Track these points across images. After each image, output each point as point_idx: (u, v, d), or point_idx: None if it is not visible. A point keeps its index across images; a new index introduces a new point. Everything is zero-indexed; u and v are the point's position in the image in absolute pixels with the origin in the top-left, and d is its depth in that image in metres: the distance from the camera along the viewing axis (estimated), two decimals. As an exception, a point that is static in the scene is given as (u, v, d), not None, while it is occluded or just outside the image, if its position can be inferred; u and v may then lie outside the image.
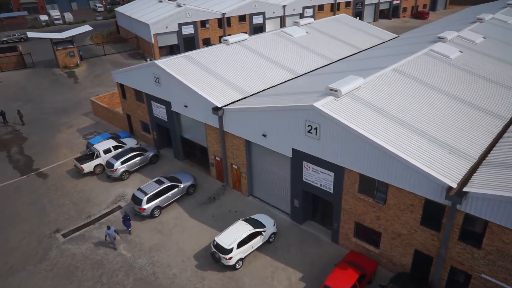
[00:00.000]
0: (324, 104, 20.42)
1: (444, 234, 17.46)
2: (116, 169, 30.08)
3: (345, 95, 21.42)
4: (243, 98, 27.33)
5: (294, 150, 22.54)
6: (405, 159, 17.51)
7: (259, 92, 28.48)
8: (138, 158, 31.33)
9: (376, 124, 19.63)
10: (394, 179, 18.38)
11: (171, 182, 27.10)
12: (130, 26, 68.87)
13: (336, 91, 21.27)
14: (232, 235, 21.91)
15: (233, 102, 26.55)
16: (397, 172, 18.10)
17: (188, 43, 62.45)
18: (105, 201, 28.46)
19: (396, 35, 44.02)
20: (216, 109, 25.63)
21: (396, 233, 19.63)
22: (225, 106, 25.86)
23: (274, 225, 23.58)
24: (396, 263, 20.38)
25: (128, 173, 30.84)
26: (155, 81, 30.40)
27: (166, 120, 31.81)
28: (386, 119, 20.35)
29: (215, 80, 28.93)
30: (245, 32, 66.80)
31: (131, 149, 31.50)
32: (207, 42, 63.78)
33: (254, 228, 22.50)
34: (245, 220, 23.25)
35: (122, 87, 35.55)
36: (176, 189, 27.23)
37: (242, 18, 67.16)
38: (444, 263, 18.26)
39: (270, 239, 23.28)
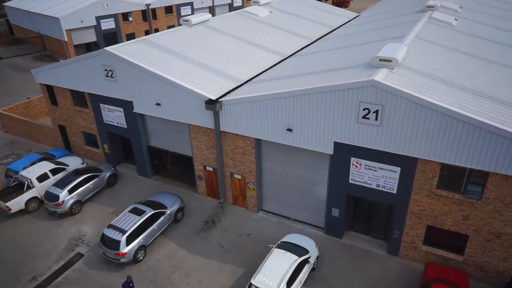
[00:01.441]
0: (385, 78, 14.91)
1: None
2: (63, 202, 20.76)
3: (399, 65, 16.17)
4: (237, 87, 20.46)
5: (337, 145, 16.62)
6: (525, 136, 12.87)
7: (253, 78, 21.87)
8: (91, 182, 22.29)
9: (449, 97, 14.79)
10: (500, 165, 13.67)
11: (154, 209, 19.10)
12: (30, 24, 55.26)
13: (389, 61, 15.88)
14: (274, 273, 15.19)
15: (228, 93, 19.57)
16: (506, 154, 13.41)
17: (109, 40, 51.93)
18: (54, 249, 19.17)
19: (358, 14, 40.82)
20: (210, 103, 18.41)
21: (494, 234, 15.04)
22: (221, 98, 18.79)
23: (316, 246, 17.42)
24: (490, 270, 15.84)
25: (80, 204, 21.67)
26: (107, 76, 21.71)
27: (125, 126, 23.23)
28: (454, 89, 15.66)
29: (194, 68, 21.47)
30: (174, 25, 58.77)
31: (78, 171, 22.31)
32: (131, 38, 53.95)
33: (299, 256, 16.10)
34: (281, 247, 16.66)
35: (50, 90, 25.61)
36: (162, 218, 19.32)
37: (169, 9, 58.55)
38: None
39: (314, 266, 17.10)
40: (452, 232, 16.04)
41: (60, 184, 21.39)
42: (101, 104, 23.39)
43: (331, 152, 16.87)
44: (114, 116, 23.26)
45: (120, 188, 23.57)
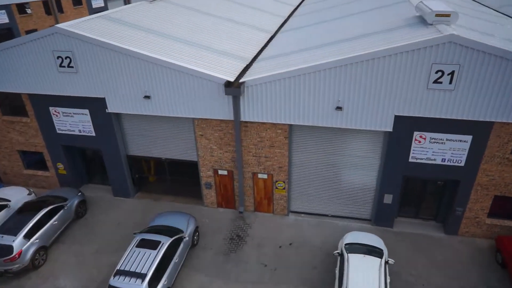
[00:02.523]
0: (459, 33, 13.13)
1: None
2: (19, 253, 14.66)
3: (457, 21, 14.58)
4: (247, 67, 16.88)
5: (398, 119, 14.43)
6: None
7: (257, 56, 18.43)
8: (56, 217, 16.36)
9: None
10: None
11: (171, 237, 14.55)
12: None
13: (447, 15, 14.18)
14: (366, 284, 12.39)
15: (241, 74, 15.93)
16: None
17: (2, 39, 41.87)
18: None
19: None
20: (229, 86, 14.59)
21: None
22: (236, 80, 15.10)
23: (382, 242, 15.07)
24: (561, 230, 15.45)
25: (44, 250, 15.70)
26: (61, 66, 16.00)
27: (92, 134, 17.64)
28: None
29: (185, 47, 17.14)
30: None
31: (29, 207, 16.20)
32: (29, 35, 44.41)
33: (380, 257, 13.56)
34: (355, 251, 13.86)
35: (-41, 96, 18.35)
36: (182, 245, 14.88)
37: (77, 0, 50.02)
38: None
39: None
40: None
41: (8, 229, 15.12)
42: (51, 109, 17.37)
43: (390, 129, 14.63)
44: (74, 123, 17.49)
45: (95, 218, 17.92)
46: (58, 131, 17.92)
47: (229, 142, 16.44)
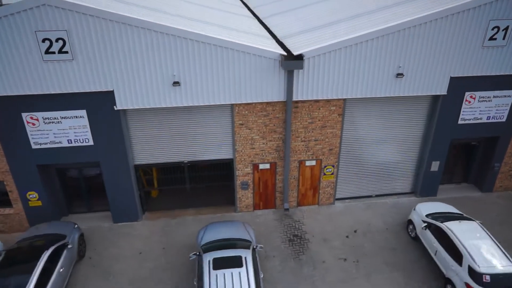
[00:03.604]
0: (506, -12, 13.87)
1: None
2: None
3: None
4: (279, 43, 15.18)
5: (452, 81, 14.64)
6: None
7: (273, 35, 16.76)
8: (61, 262, 12.11)
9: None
10: None
11: (248, 249, 12.04)
12: None
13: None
14: (483, 249, 12.09)
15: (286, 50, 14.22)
16: None
17: None
18: None
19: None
20: (290, 58, 12.82)
21: None
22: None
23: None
24: None
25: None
26: (48, 52, 11.85)
27: (89, 143, 13.59)
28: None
29: (206, 26, 14.55)
30: None
31: (21, 251, 11.76)
32: None
33: (473, 220, 13.54)
34: (449, 219, 13.51)
35: None
36: (258, 257, 12.47)
37: None
38: None
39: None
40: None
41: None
42: (25, 115, 12.80)
43: (445, 92, 14.77)
44: (62, 131, 13.22)
45: (104, 253, 13.88)
46: (34, 146, 13.33)
47: (274, 129, 14.50)
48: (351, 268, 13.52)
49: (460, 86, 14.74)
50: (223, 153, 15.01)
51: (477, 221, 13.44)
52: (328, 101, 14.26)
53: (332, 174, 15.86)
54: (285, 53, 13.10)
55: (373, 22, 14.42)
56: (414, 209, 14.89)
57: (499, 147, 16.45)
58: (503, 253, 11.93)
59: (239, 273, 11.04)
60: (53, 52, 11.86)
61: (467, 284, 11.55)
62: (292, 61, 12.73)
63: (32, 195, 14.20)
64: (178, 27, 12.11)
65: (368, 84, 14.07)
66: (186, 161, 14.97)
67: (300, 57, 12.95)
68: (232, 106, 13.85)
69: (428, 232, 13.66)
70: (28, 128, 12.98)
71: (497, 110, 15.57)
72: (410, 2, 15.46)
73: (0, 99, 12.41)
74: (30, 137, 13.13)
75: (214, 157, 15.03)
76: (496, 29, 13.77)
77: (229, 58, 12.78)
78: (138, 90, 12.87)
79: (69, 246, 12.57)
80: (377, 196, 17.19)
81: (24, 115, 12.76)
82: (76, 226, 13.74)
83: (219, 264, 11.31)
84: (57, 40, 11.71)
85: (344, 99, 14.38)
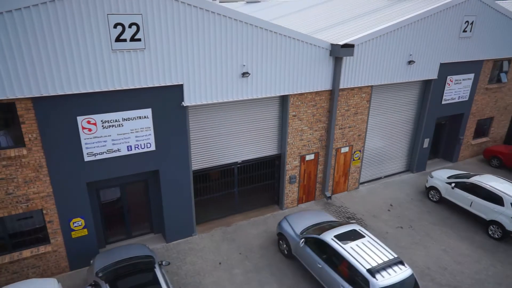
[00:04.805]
0: (468, -7, 16.97)
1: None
2: None
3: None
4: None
5: (441, 66, 16.93)
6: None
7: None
8: (166, 281, 9.56)
9: None
10: None
11: (356, 228, 11.51)
12: None
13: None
14: None
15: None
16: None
17: None
18: None
19: None
20: (340, 47, 13.13)
21: (508, 105, 21.00)
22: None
23: (454, 172, 17.05)
24: None
25: None
26: (118, 40, 9.68)
27: (152, 148, 11.23)
28: None
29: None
30: None
31: (124, 271, 9.05)
32: None
33: (484, 176, 15.50)
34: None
35: None
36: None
37: None
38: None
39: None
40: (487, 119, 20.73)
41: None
42: (81, 119, 10.00)
43: (436, 76, 16.95)
44: (122, 136, 10.71)
45: (182, 274, 11.36)
46: (87, 158, 10.44)
47: (320, 118, 14.40)
48: (411, 232, 14.00)
49: (444, 71, 17.12)
50: (272, 149, 14.16)
51: (490, 175, 15.47)
52: (360, 88, 14.92)
53: (359, 159, 16.35)
54: (335, 43, 13.36)
55: (384, 18, 15.85)
56: (432, 177, 16.30)
57: (463, 121, 19.38)
58: None
59: (363, 242, 10.48)
60: (124, 40, 9.77)
61: (515, 218, 13.12)
62: (345, 48, 13.06)
63: (77, 223, 10.93)
64: (253, 16, 11.34)
65: (389, 71, 15.24)
66: (239, 161, 13.60)
67: (347, 45, 13.35)
68: (287, 97, 13.32)
69: (457, 190, 15.09)
70: (83, 135, 10.17)
71: (463, 91, 18.46)
72: (402, 3, 17.54)
73: (51, 100, 9.50)
74: (84, 146, 10.27)
75: (264, 154, 14.04)
76: (466, 23, 16.60)
77: (288, 47, 12.43)
78: (207, 83, 11.41)
79: (165, 264, 10.02)
80: (385, 177, 18.26)
81: (80, 119, 9.98)
82: (147, 246, 11.03)
83: (342, 238, 10.57)
84: (130, 26, 9.72)
85: (371, 86, 15.23)
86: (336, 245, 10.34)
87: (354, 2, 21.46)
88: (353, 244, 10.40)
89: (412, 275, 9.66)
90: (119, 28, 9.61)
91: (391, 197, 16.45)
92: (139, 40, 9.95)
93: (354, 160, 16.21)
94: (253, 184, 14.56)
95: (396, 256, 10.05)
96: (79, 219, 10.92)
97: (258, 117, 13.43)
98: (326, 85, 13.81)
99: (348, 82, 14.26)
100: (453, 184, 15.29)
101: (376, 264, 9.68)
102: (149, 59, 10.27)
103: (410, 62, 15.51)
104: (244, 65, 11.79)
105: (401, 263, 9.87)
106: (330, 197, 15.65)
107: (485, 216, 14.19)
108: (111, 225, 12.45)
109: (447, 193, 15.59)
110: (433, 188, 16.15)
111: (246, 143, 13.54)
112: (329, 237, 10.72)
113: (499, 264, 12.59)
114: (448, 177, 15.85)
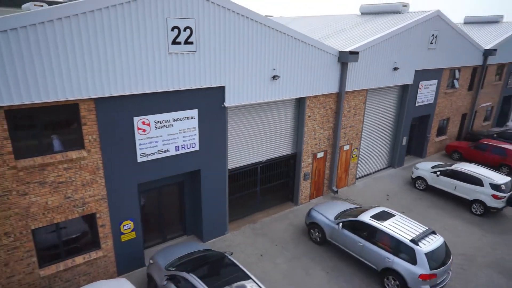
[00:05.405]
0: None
1: None
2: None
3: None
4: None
5: (415, 73, 19.15)
6: None
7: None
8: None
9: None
10: (467, 60, 22.66)
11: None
12: None
13: (405, 6, 20.43)
14: (488, 172, 16.23)
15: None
16: (468, 52, 22.60)
17: None
18: None
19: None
20: (349, 54, 14.51)
21: (460, 107, 24.08)
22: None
23: (432, 164, 19.15)
24: (457, 133, 24.83)
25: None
26: (175, 42, 9.93)
27: (196, 148, 11.35)
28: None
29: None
30: None
31: (202, 260, 9.12)
32: None
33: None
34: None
35: None
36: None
37: None
38: None
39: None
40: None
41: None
42: (137, 120, 9.94)
43: (411, 82, 19.11)
44: (171, 136, 10.76)
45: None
46: (140, 159, 10.33)
47: (328, 119, 15.54)
48: (413, 215, 15.52)
49: (417, 77, 19.38)
50: (289, 148, 14.93)
51: (466, 163, 17.70)
52: (358, 92, 16.40)
53: (356, 155, 17.73)
54: (342, 50, 14.70)
55: (368, 31, 17.65)
56: (417, 169, 18.17)
57: (430, 122, 21.88)
58: (496, 172, 16.31)
59: (396, 219, 11.62)
60: (179, 43, 10.06)
61: (494, 195, 15.23)
62: (352, 55, 14.44)
63: (127, 226, 10.62)
64: (280, 23, 12.23)
65: (379, 76, 16.96)
66: (264, 160, 14.15)
67: (352, 52, 14.76)
68: (304, 99, 14.27)
69: (442, 177, 17.04)
70: (138, 136, 10.10)
71: (430, 94, 20.95)
72: (376, 20, 19.58)
73: (111, 101, 9.41)
74: (138, 147, 10.17)
75: (282, 153, 14.75)
76: (433, 36, 19.10)
77: (307, 53, 13.48)
78: (244, 85, 11.97)
79: (228, 255, 10.13)
80: (374, 172, 19.87)
81: (136, 119, 9.93)
82: (200, 243, 11.01)
83: (378, 217, 11.67)
84: (185, 29, 10.06)
85: (367, 90, 16.81)
86: (376, 224, 11.31)
87: (330, 19, 23.39)
88: (389, 221, 11.45)
89: (444, 242, 10.91)
90: (176, 31, 9.89)
91: (385, 189, 17.96)
92: (191, 43, 10.29)
93: (352, 157, 17.53)
94: (272, 182, 15.11)
95: (428, 227, 11.26)
96: (128, 221, 10.64)
97: (278, 118, 14.17)
98: (334, 88, 15.04)
99: (351, 85, 15.64)
100: (438, 173, 17.23)
101: (416, 235, 10.79)
102: (199, 61, 10.61)
103: (395, 69, 17.41)
104: (274, 69, 12.54)
105: (434, 232, 11.10)
106: (337, 191, 16.70)
107: (468, 197, 16.19)
108: (149, 228, 12.17)
109: (433, 181, 17.49)
110: (419, 178, 17.98)
111: (268, 143, 14.15)
112: (366, 218, 11.67)
113: (488, 234, 14.48)
114: (432, 167, 17.82)
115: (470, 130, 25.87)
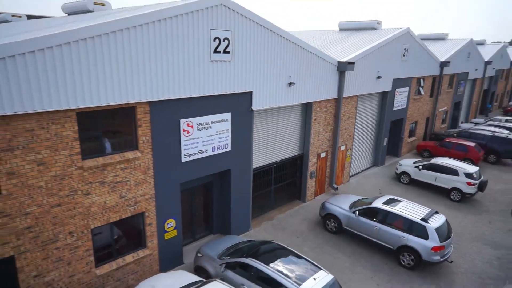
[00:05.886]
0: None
1: None
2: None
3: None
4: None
5: (393, 81, 21.25)
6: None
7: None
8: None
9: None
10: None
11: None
12: None
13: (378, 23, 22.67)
14: (459, 163, 18.47)
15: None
16: (430, 63, 25.39)
17: None
18: None
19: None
20: (347, 64, 16.03)
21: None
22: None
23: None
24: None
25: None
26: (216, 51, 10.67)
27: (228, 149, 11.99)
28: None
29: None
30: None
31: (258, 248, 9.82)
32: None
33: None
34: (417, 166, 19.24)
35: None
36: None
37: None
38: None
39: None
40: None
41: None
42: (183, 122, 10.45)
43: (390, 88, 21.17)
44: (209, 138, 11.36)
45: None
46: (184, 159, 10.80)
47: (329, 122, 16.87)
48: (406, 206, 17.14)
49: (394, 85, 21.51)
50: (296, 149, 16.00)
51: (441, 157, 19.83)
52: (351, 97, 17.97)
53: (350, 155, 19.22)
54: (340, 60, 16.19)
55: (353, 45, 19.43)
56: (401, 165, 20.06)
57: (403, 124, 24.14)
58: (466, 163, 18.60)
59: (405, 204, 13.06)
60: (219, 52, 10.84)
61: (468, 182, 17.37)
62: (349, 65, 15.98)
63: (170, 224, 10.96)
64: (294, 40, 13.40)
65: (367, 84, 18.72)
66: (278, 160, 15.06)
67: (349, 62, 16.30)
68: (311, 104, 15.49)
69: (423, 171, 19.01)
70: (183, 137, 10.62)
71: (403, 100, 23.23)
72: (354, 36, 21.50)
73: (162, 104, 9.92)
74: (182, 147, 10.68)
75: (290, 154, 15.77)
76: (405, 50, 21.41)
77: (314, 63, 14.78)
78: (267, 91, 12.92)
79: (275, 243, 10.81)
80: (361, 171, 21.51)
81: (182, 121, 10.47)
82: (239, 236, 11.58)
83: (388, 203, 12.94)
84: (224, 40, 10.88)
85: (358, 96, 18.45)
86: (390, 208, 12.64)
87: (311, 34, 25.14)
88: (399, 205, 12.84)
89: (446, 220, 12.47)
90: (217, 41, 10.67)
91: (375, 185, 19.58)
92: (228, 52, 11.10)
93: (347, 156, 18.99)
94: (282, 182, 16.04)
95: (431, 209, 12.79)
96: (171, 220, 11.00)
97: (289, 122, 15.22)
98: (334, 94, 16.44)
99: (346, 92, 17.15)
100: (420, 167, 19.19)
101: (424, 215, 12.25)
102: (233, 69, 11.43)
103: (378, 77, 19.30)
104: (290, 77, 13.64)
105: (437, 212, 12.64)
106: (337, 188, 17.98)
107: (447, 186, 18.23)
108: (183, 228, 12.50)
109: (416, 174, 19.41)
110: (404, 173, 19.84)
111: (281, 145, 15.12)
112: (379, 204, 12.97)
113: (468, 215, 16.46)
114: (413, 163, 19.78)
115: (433, 131, 28.70)
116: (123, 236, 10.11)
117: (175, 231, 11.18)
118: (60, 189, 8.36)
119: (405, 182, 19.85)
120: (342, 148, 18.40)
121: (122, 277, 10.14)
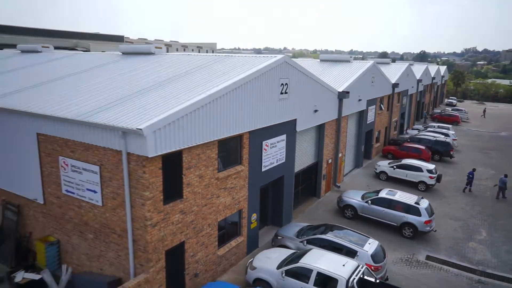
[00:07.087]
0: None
1: None
2: None
3: (351, 59, 28.60)
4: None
5: (367, 102, 26.67)
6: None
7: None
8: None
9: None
10: (388, 91, 31.55)
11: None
12: None
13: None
14: (424, 164, 24.16)
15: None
16: (388, 86, 31.55)
17: None
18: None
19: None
20: (345, 93, 20.91)
21: (385, 123, 32.86)
22: (334, 91, 21.47)
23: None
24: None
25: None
26: (282, 93, 14.66)
27: (283, 160, 15.88)
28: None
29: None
30: None
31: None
32: None
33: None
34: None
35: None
36: (380, 198, 19.33)
37: None
38: None
39: (391, 172, 26.47)
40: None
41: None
42: (264, 143, 14.26)
43: (365, 108, 26.51)
44: (275, 153, 15.24)
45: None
46: (263, 169, 14.60)
47: (332, 136, 21.53)
48: (390, 196, 22.33)
49: (367, 104, 26.97)
50: (314, 157, 20.39)
51: (409, 159, 25.49)
52: (344, 117, 22.86)
53: (344, 160, 24.07)
54: (340, 91, 21.01)
55: (340, 75, 24.43)
56: (379, 166, 25.39)
57: (373, 133, 29.78)
58: (426, 162, 24.45)
59: (401, 194, 17.99)
60: (282, 93, 14.90)
61: (430, 176, 23.12)
62: (347, 93, 20.84)
63: (254, 217, 14.61)
64: (316, 79, 17.84)
65: (353, 106, 23.78)
66: (305, 167, 19.29)
67: (346, 92, 21.13)
68: (323, 124, 20.01)
69: (397, 169, 24.49)
70: (263, 153, 14.42)
71: (372, 116, 28.87)
72: (337, 65, 26.63)
73: (254, 132, 13.69)
74: (263, 161, 14.46)
75: (312, 161, 20.10)
76: (372, 77, 27.04)
77: (325, 94, 19.37)
78: (304, 117, 17.16)
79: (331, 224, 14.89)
80: (349, 172, 26.53)
81: (263, 143, 14.29)
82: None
83: (390, 194, 17.75)
84: (285, 85, 14.97)
85: (348, 115, 23.42)
86: (391, 197, 17.48)
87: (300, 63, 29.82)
88: (397, 195, 17.75)
89: (429, 203, 17.62)
90: (281, 86, 14.73)
91: (363, 182, 24.61)
92: (286, 93, 15.19)
93: (343, 161, 23.80)
94: (304, 183, 20.29)
95: (420, 196, 17.88)
96: (255, 214, 14.68)
97: (310, 138, 19.56)
98: (335, 115, 21.15)
99: (343, 113, 21.98)
100: (394, 167, 24.65)
101: (415, 200, 17.27)
102: (288, 104, 15.52)
103: (359, 100, 24.51)
104: (315, 105, 18.04)
105: (423, 198, 17.76)
106: (339, 186, 22.66)
107: (415, 180, 23.81)
108: (250, 222, 16.11)
109: (391, 172, 24.83)
110: (382, 172, 25.18)
111: (305, 154, 19.38)
112: (384, 195, 17.76)
113: (434, 200, 22.01)
114: (388, 164, 25.20)
115: (390, 138, 34.96)
116: (229, 227, 13.57)
117: (256, 222, 14.85)
118: (207, 194, 11.77)
119: (383, 179, 25.15)
120: (340, 155, 23.17)
121: (229, 257, 13.58)
